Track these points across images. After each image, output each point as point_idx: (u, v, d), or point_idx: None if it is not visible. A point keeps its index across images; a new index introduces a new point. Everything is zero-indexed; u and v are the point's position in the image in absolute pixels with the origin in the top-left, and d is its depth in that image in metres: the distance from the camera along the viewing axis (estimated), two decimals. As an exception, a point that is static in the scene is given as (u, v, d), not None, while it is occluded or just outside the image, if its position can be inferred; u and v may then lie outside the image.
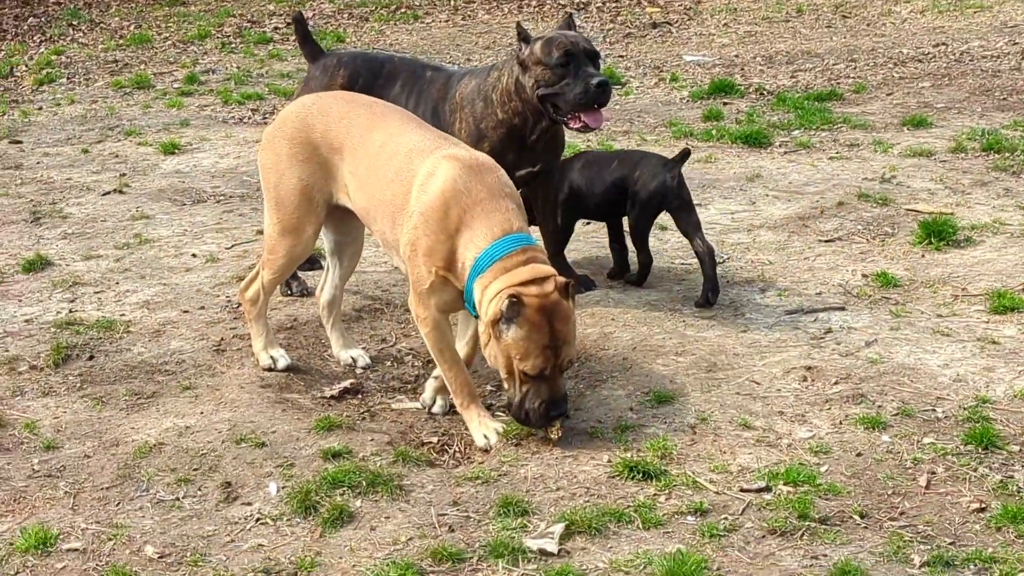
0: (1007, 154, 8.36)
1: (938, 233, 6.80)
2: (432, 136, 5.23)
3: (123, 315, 6.40)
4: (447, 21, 15.16)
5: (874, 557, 4.11)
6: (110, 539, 4.40)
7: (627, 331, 5.92)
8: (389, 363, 5.92)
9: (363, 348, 5.92)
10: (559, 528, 4.32)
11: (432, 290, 4.98)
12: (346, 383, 5.62)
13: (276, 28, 14.83)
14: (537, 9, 15.40)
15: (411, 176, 4.99)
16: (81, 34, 15.59)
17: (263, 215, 5.66)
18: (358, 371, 5.75)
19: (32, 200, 8.50)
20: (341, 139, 5.31)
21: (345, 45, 13.93)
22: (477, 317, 4.93)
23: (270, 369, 5.64)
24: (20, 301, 6.64)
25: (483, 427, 5.06)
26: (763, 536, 4.26)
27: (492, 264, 4.79)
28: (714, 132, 9.34)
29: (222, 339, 6.02)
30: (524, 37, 5.97)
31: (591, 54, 5.95)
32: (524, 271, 4.76)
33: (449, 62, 12.76)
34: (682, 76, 11.66)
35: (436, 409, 5.34)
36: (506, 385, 4.94)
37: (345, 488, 4.61)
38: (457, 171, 4.89)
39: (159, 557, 4.29)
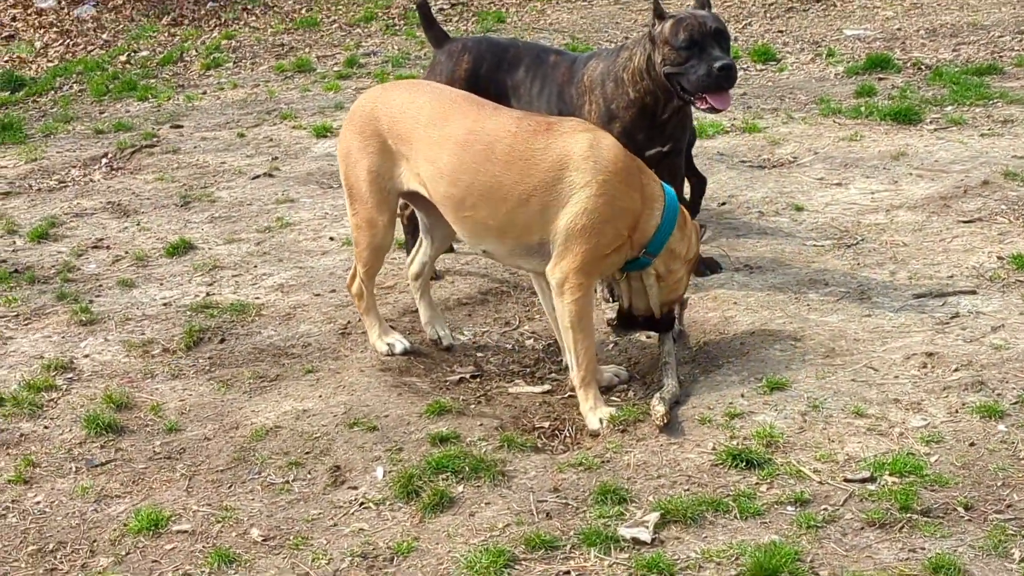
0: None
1: (1083, 213, 6.57)
2: (534, 114, 5.49)
3: (257, 298, 6.57)
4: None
5: (973, 551, 4.02)
6: (219, 521, 4.54)
7: (748, 315, 5.86)
8: (511, 346, 5.97)
9: (451, 329, 6.02)
10: (654, 517, 4.32)
11: (607, 257, 5.09)
12: (468, 370, 5.70)
13: (441, 9, 14.96)
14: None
15: (552, 157, 5.03)
16: (254, 18, 15.95)
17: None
18: (442, 347, 5.89)
19: (185, 184, 8.77)
20: (408, 129, 5.35)
21: (505, 25, 14.00)
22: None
23: (390, 354, 5.73)
24: (161, 284, 6.87)
25: (598, 410, 5.09)
26: (861, 528, 4.19)
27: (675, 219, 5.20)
28: (863, 108, 9.14)
29: (348, 323, 6.14)
30: (660, 14, 5.94)
31: (719, 35, 5.88)
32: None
33: (608, 41, 12.74)
34: (839, 51, 11.42)
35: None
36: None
37: (448, 473, 4.67)
38: (615, 141, 5.18)
39: (263, 540, 4.41)
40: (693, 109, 6.15)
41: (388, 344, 5.76)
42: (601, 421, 5.04)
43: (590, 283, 5.12)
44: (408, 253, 6.46)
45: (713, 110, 5.88)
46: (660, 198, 5.18)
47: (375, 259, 5.70)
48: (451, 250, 7.05)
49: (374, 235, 5.58)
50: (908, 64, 10.70)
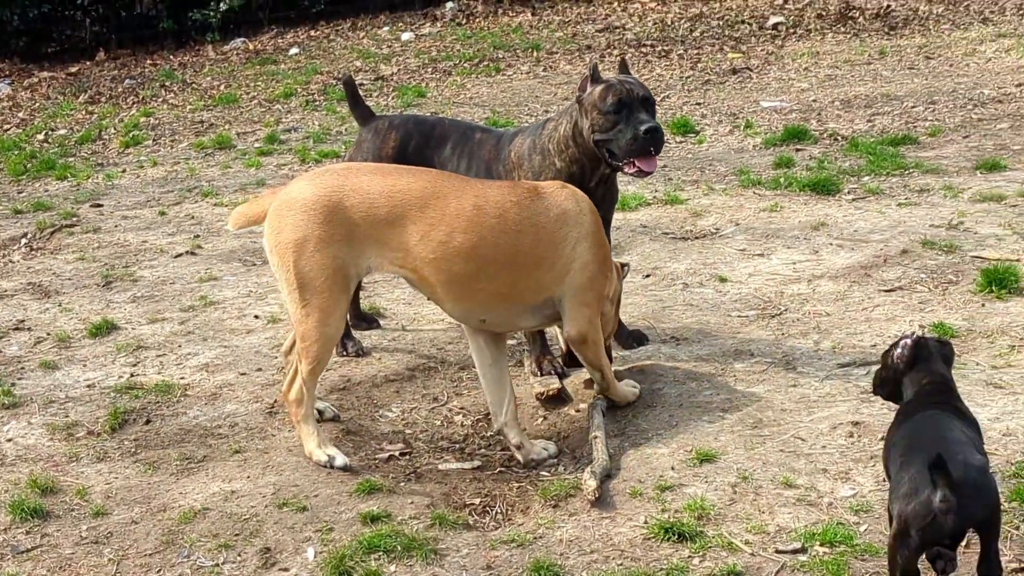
0: (1080, 197, 8.21)
1: (1000, 281, 6.69)
2: (517, 183, 5.68)
3: (182, 378, 6.51)
4: (528, 73, 15.25)
5: (906, 620, 4.03)
6: (147, 606, 4.47)
7: (676, 387, 5.90)
8: (440, 422, 5.96)
9: (379, 406, 6.04)
10: (588, 592, 4.32)
11: (602, 300, 5.56)
12: (397, 447, 5.67)
13: (361, 84, 15.02)
14: (618, 59, 15.42)
15: (553, 217, 5.37)
16: (172, 95, 15.93)
17: (285, 300, 5.47)
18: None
19: (106, 263, 8.69)
20: (395, 213, 5.27)
21: (426, 100, 14.08)
22: None
23: (329, 467, 5.39)
24: (84, 366, 6.79)
25: (627, 389, 5.77)
26: (795, 599, 4.21)
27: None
28: (782, 180, 9.28)
29: (275, 401, 6.09)
30: (594, 78, 5.99)
31: (647, 101, 5.96)
32: None
33: (528, 115, 12.84)
34: (757, 123, 11.61)
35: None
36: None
37: (380, 553, 4.64)
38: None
39: (193, 624, 4.35)
40: (620, 177, 6.21)
41: (328, 456, 5.43)
42: (635, 390, 5.79)
43: (599, 326, 5.56)
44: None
45: (642, 173, 5.93)
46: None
47: (326, 354, 5.47)
48: (377, 326, 7.04)
49: (327, 327, 5.35)
50: (825, 135, 10.89)
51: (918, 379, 4.42)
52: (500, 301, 5.39)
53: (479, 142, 6.33)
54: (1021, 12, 15.83)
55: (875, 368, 5.71)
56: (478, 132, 6.43)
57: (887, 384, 4.58)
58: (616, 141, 5.85)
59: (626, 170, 5.91)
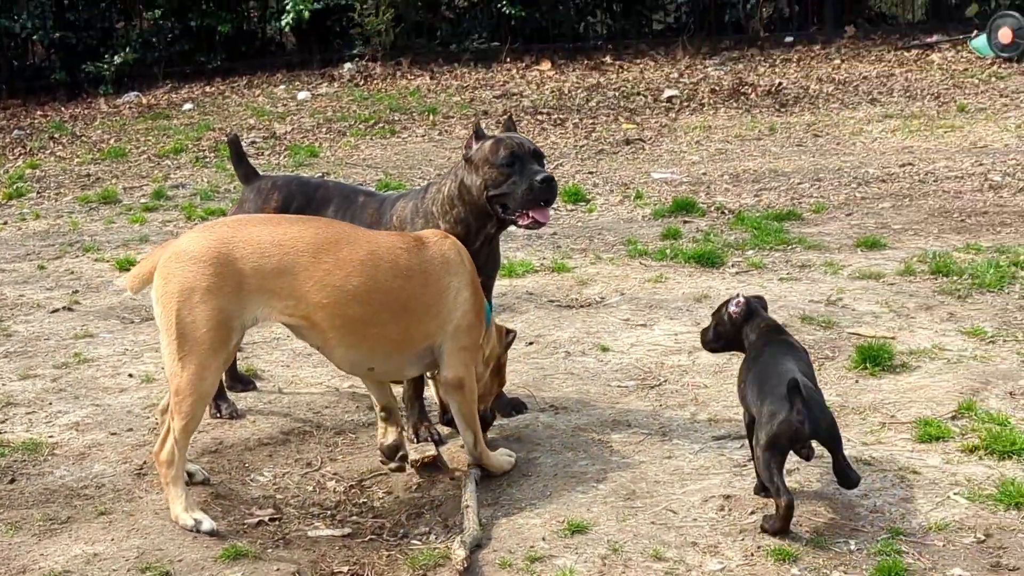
0: (955, 277, 8.36)
1: (874, 358, 6.78)
2: (400, 232, 5.88)
3: (51, 437, 6.36)
4: (423, 136, 15.29)
5: None
6: (-4, 673, 4.33)
7: (552, 456, 5.88)
8: (312, 488, 5.87)
9: (251, 470, 5.95)
10: (451, 665, 4.26)
11: (479, 348, 5.68)
12: (266, 512, 5.58)
13: (253, 142, 14.95)
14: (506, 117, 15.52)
15: (438, 264, 5.54)
16: (60, 147, 15.73)
17: (163, 353, 5.35)
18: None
19: (-20, 317, 8.52)
20: (287, 262, 5.28)
21: (319, 160, 14.03)
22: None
23: (195, 531, 5.27)
24: (-50, 421, 6.62)
25: (502, 458, 5.77)
26: (659, 674, 4.19)
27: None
28: (669, 251, 9.36)
29: (144, 463, 5.97)
30: (478, 135, 5.99)
31: (536, 154, 6.00)
32: None
33: (420, 177, 12.86)
34: (647, 193, 11.72)
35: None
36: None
37: (242, 620, 4.55)
38: None
39: None
40: (509, 242, 6.21)
41: (195, 520, 5.31)
42: (510, 459, 5.79)
43: (474, 374, 5.68)
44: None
45: (536, 224, 5.94)
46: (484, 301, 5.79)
47: (200, 410, 5.35)
48: (254, 388, 6.95)
49: (203, 382, 5.26)
50: (712, 208, 11.02)
51: (756, 325, 5.51)
52: (390, 347, 5.49)
53: (362, 205, 6.31)
54: (908, 94, 16.20)
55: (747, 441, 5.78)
56: (361, 195, 6.41)
57: (724, 336, 5.65)
58: (511, 194, 5.88)
59: (520, 223, 5.93)
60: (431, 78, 18.74)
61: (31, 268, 9.85)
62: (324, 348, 5.49)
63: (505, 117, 6.63)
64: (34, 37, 20.00)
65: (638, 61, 18.93)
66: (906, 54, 18.32)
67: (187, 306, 5.21)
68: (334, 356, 5.51)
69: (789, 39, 19.42)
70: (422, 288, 5.47)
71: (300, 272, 5.29)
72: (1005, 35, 17.22)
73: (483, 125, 6.24)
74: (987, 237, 9.56)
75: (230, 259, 5.25)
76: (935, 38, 18.80)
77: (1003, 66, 17.03)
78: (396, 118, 16.18)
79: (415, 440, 6.10)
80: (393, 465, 5.80)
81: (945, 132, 14.07)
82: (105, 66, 19.47)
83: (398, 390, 6.40)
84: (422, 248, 5.54)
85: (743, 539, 4.99)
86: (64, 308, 8.64)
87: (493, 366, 5.93)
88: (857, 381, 6.65)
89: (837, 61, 18.23)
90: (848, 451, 5.69)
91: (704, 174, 12.66)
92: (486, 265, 6.18)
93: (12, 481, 5.86)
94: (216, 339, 5.25)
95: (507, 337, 5.99)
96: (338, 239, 5.39)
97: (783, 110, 15.85)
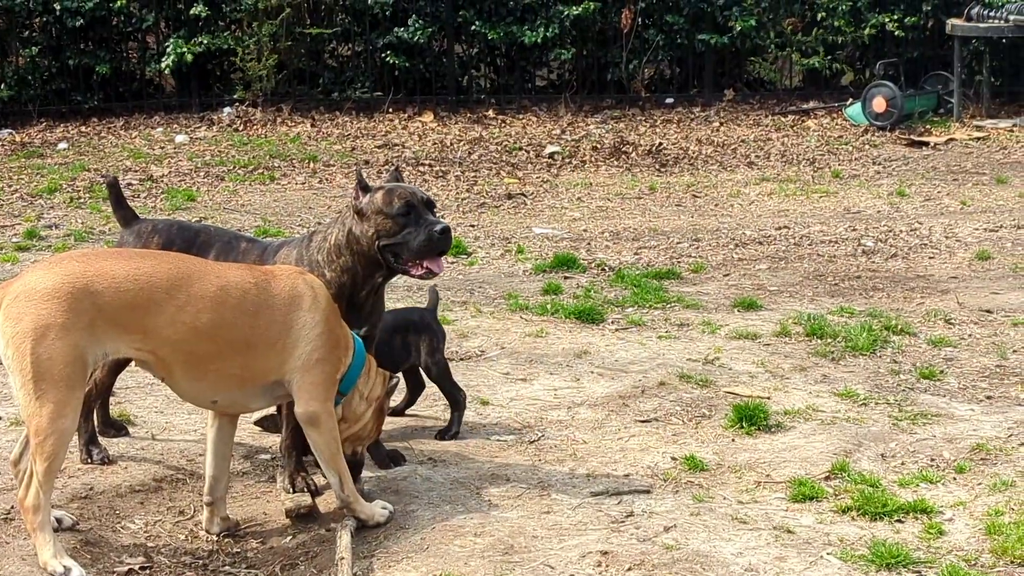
0: (829, 340, 8.51)
1: (750, 418, 6.86)
2: (251, 265, 5.83)
3: (-88, 479, 6.17)
4: (303, 184, 15.19)
5: None
6: None
7: (430, 509, 5.84)
8: (184, 537, 5.77)
9: (121, 517, 5.89)
10: None
11: (335, 383, 5.61)
12: (137, 561, 5.46)
13: (129, 184, 14.72)
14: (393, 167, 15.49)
15: (286, 300, 5.52)
16: (-71, 182, 15.33)
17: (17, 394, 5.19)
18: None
19: None
20: (142, 298, 5.25)
21: (196, 204, 13.88)
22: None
23: None
24: None
25: (375, 508, 5.74)
26: None
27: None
28: (549, 306, 9.39)
29: (12, 507, 5.81)
30: (364, 186, 5.95)
31: (429, 203, 6.00)
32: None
33: (300, 224, 12.77)
34: (528, 248, 11.77)
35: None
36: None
37: (109, 673, 4.44)
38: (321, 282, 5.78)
39: None
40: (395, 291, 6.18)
41: (64, 567, 5.17)
42: (384, 511, 5.73)
43: (332, 411, 5.62)
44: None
45: (430, 274, 5.96)
46: (351, 340, 5.75)
47: (62, 449, 5.21)
48: (126, 434, 6.82)
49: (63, 419, 5.14)
50: (593, 264, 11.09)
51: None
52: (233, 382, 5.50)
53: (244, 252, 6.25)
54: (784, 159, 16.50)
55: (627, 497, 5.83)
56: (243, 242, 6.35)
57: None
58: (406, 244, 5.86)
59: (413, 272, 5.93)
60: (312, 125, 18.65)
61: None
62: (168, 380, 5.52)
63: (392, 168, 6.61)
64: (-96, 70, 19.55)
65: (521, 116, 19.04)
66: (783, 119, 18.67)
67: (42, 344, 5.10)
68: (178, 389, 5.55)
69: (669, 100, 19.69)
70: (267, 324, 5.47)
71: (153, 308, 5.27)
72: (879, 104, 17.64)
73: (365, 175, 6.21)
74: (860, 301, 9.75)
75: (85, 293, 5.18)
76: (811, 104, 19.21)
77: (876, 134, 17.45)
78: (276, 164, 16.06)
79: (291, 490, 6.02)
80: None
81: (820, 197, 14.35)
82: (-22, 102, 19.09)
83: (275, 439, 6.33)
84: (271, 283, 5.55)
85: (620, 596, 5.00)
86: (-70, 347, 8.39)
87: (375, 408, 5.90)
88: (733, 440, 6.72)
89: (716, 124, 18.51)
90: (723, 510, 5.78)
91: (585, 230, 12.76)
92: (372, 314, 6.16)
93: None
94: (74, 375, 5.17)
95: (390, 382, 5.96)
96: (190, 274, 5.40)
97: (663, 170, 16.04)
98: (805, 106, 19.21)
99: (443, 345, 6.95)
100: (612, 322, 9.11)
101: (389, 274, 6.03)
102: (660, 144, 17.24)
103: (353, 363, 5.73)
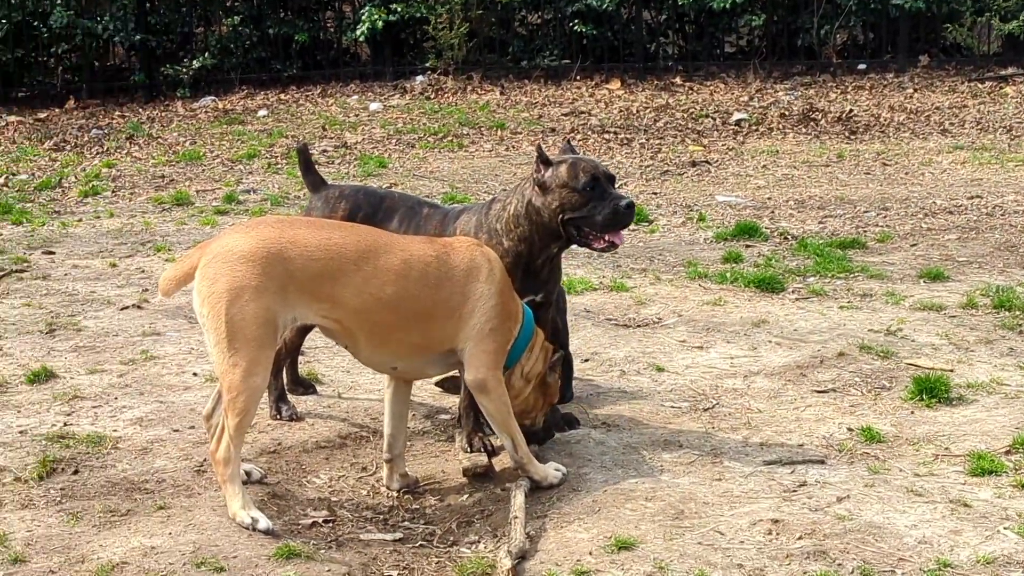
0: (1018, 312, 8.34)
1: (930, 390, 6.79)
2: (431, 237, 6.02)
3: (115, 431, 6.51)
4: (490, 151, 15.40)
5: None
6: (53, 657, 4.46)
7: (602, 472, 5.95)
8: (366, 492, 5.98)
9: (307, 472, 6.11)
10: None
11: (505, 352, 5.76)
12: (321, 514, 5.69)
13: (324, 151, 15.14)
14: (581, 143, 15.62)
15: (464, 271, 5.69)
16: (137, 148, 15.99)
17: (211, 352, 5.47)
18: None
19: (52, 311, 8.70)
20: (331, 267, 5.45)
21: (387, 170, 14.19)
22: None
23: (252, 529, 5.37)
24: (19, 412, 6.78)
25: (549, 470, 5.86)
26: None
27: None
28: (728, 275, 9.40)
29: (204, 460, 6.10)
30: (545, 160, 6.06)
31: (611, 176, 6.11)
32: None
33: (485, 191, 12.97)
34: (710, 216, 11.76)
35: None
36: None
37: (292, 618, 4.65)
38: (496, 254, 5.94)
39: None
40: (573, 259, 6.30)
41: (252, 518, 5.41)
42: (558, 471, 5.86)
43: (501, 378, 5.75)
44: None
45: (612, 246, 6.07)
46: (522, 313, 5.88)
47: (253, 406, 5.46)
48: (314, 392, 7.07)
49: (254, 377, 5.38)
50: (775, 233, 11.03)
51: None
52: (412, 350, 5.70)
53: (426, 217, 6.42)
54: (980, 126, 16.12)
55: (800, 467, 5.84)
56: (426, 207, 6.52)
57: None
58: (591, 217, 5.96)
59: (594, 245, 6.05)
60: (501, 93, 18.87)
61: (103, 265, 10.06)
62: (351, 348, 5.73)
63: (564, 140, 6.67)
64: (115, 39, 20.34)
65: (708, 83, 18.96)
66: (979, 86, 18.23)
67: (236, 305, 5.34)
68: (360, 356, 5.76)
69: (862, 66, 19.37)
70: (447, 295, 5.65)
71: (341, 278, 5.48)
72: (1082, 70, 17.13)
73: (547, 143, 6.34)
74: (1052, 273, 9.52)
75: (278, 259, 5.40)
76: (1010, 71, 18.69)
77: (1078, 101, 16.94)
78: (465, 132, 16.31)
79: (468, 450, 6.19)
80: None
81: (1016, 166, 13.99)
82: (183, 70, 19.78)
83: (455, 399, 6.51)
84: (451, 255, 5.72)
85: (789, 563, 5.04)
86: (133, 306, 8.82)
87: (535, 383, 5.99)
88: (912, 412, 6.67)
89: (910, 90, 18.16)
90: (899, 482, 5.75)
91: (769, 199, 12.68)
92: (548, 282, 6.27)
93: (76, 472, 6.01)
94: (265, 336, 5.40)
95: (552, 357, 6.05)
96: (377, 246, 5.60)
97: (853, 137, 15.82)
98: (1003, 72, 18.72)
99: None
100: (792, 291, 9.07)
101: (566, 244, 6.13)
102: (851, 111, 17.00)
103: (520, 335, 5.87)
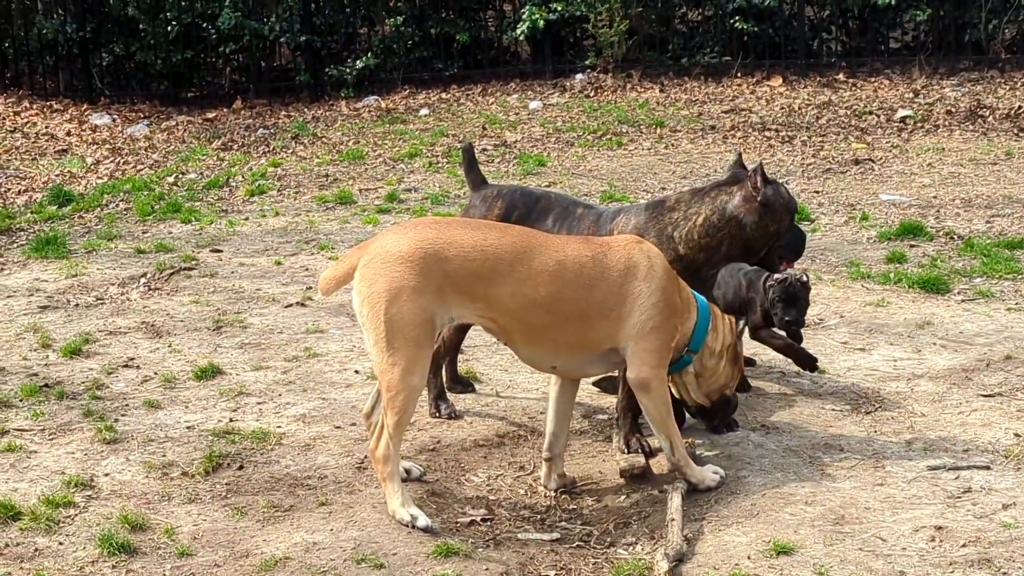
0: None
1: (1102, 396, 6.60)
2: (588, 237, 6.04)
3: (279, 427, 6.66)
4: (649, 149, 15.33)
5: None
6: (219, 648, 4.58)
7: (761, 476, 5.90)
8: (524, 491, 6.03)
9: (466, 470, 6.20)
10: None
11: (669, 350, 5.77)
12: (479, 513, 5.75)
13: (484, 150, 15.23)
14: (741, 141, 15.47)
15: (621, 270, 5.66)
16: (302, 147, 16.28)
17: (371, 351, 5.58)
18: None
19: (219, 308, 8.93)
20: (487, 268, 5.52)
21: (546, 169, 14.23)
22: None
23: (411, 526, 5.45)
24: (187, 407, 6.98)
25: (707, 472, 5.83)
26: None
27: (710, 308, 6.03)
28: (892, 275, 9.23)
29: (366, 457, 6.20)
30: (766, 178, 6.15)
31: None
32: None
33: (644, 190, 12.93)
34: (873, 215, 11.55)
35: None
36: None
37: (450, 616, 4.71)
38: (659, 250, 5.91)
39: (261, 670, 4.45)
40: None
41: (411, 515, 5.49)
42: (716, 474, 5.83)
43: (664, 377, 5.77)
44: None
45: (786, 270, 6.63)
46: (694, 301, 5.92)
47: (411, 404, 5.56)
48: (472, 391, 7.14)
49: (413, 376, 5.48)
50: (941, 233, 10.80)
51: None
52: (570, 350, 5.72)
53: (579, 217, 6.46)
54: None
55: (964, 473, 5.72)
56: (580, 207, 6.56)
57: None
58: (789, 245, 6.40)
59: (780, 268, 6.54)
60: (660, 91, 18.77)
61: (268, 263, 10.29)
62: (510, 345, 5.80)
63: (734, 155, 6.62)
64: (281, 40, 20.74)
65: (872, 79, 18.61)
66: None
67: (395, 305, 5.44)
68: (519, 353, 5.82)
69: (1033, 61, 18.85)
70: (603, 296, 5.64)
71: (497, 279, 5.53)
72: None
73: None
74: None
75: (436, 260, 5.48)
76: None
77: None
78: (624, 130, 16.27)
79: (626, 451, 6.20)
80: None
81: None
82: (347, 70, 20.07)
83: (613, 399, 6.52)
84: (608, 255, 5.71)
85: (953, 571, 4.95)
86: (297, 303, 9.01)
87: (728, 356, 6.13)
88: (1081, 419, 6.48)
89: (1083, 85, 17.62)
90: (1067, 489, 5.58)
91: (934, 197, 12.41)
92: (707, 281, 6.40)
93: (240, 468, 6.17)
94: (423, 335, 5.48)
95: (737, 327, 6.21)
96: (532, 248, 5.62)
97: (1022, 135, 15.40)
98: None
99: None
100: (958, 292, 8.87)
101: (743, 260, 6.40)
102: (1020, 107, 16.53)
103: (699, 323, 5.92)
